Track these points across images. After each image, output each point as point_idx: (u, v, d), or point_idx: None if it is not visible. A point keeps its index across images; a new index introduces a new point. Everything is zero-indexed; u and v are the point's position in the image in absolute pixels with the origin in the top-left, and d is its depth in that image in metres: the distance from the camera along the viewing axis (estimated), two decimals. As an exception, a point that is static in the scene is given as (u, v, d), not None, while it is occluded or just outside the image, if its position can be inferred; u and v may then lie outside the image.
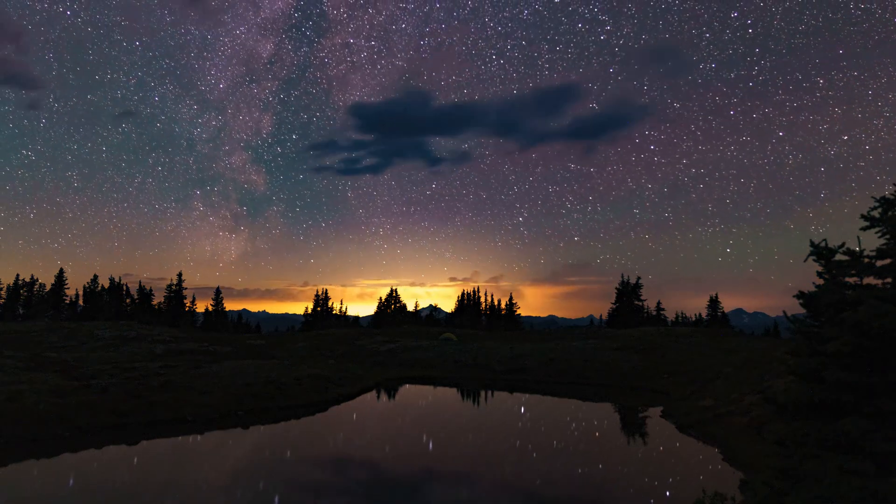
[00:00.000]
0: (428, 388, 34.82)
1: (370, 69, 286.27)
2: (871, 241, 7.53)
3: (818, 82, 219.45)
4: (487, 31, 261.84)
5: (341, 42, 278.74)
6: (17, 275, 72.15)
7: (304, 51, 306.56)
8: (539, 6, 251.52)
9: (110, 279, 75.80)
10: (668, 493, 13.88)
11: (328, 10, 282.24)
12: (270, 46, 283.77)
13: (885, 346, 6.69)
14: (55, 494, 13.16)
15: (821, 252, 7.77)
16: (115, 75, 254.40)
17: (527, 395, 31.98)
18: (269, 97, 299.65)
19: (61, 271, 71.75)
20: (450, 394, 33.30)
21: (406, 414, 26.15)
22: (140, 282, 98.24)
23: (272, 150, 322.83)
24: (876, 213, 7.49)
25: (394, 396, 31.23)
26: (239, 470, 15.50)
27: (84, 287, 75.43)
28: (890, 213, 7.32)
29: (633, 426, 24.06)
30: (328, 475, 15.24)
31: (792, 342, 8.28)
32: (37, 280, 71.39)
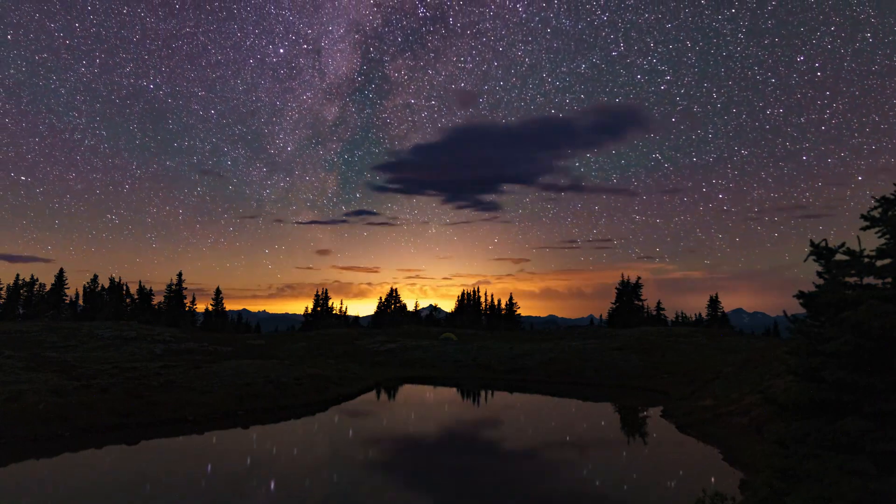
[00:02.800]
0: (428, 388, 34.82)
1: (430, 127, 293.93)
2: (872, 241, 7.54)
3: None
4: (545, 87, 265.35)
5: (402, 102, 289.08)
6: (17, 275, 72.20)
7: (367, 112, 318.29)
8: (597, 59, 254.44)
9: (110, 279, 75.84)
10: (668, 493, 13.88)
11: (390, 72, 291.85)
12: (335, 109, 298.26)
13: (885, 346, 6.69)
14: (55, 494, 13.16)
15: (821, 252, 7.77)
16: (191, 142, 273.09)
17: (527, 395, 31.98)
18: (333, 158, 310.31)
19: (61, 271, 71.76)
20: (450, 394, 33.30)
21: (406, 414, 26.15)
22: (140, 282, 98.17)
23: (337, 209, 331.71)
24: (876, 213, 7.49)
25: (394, 396, 31.23)
26: (239, 470, 15.50)
27: (84, 287, 75.47)
28: (890, 213, 7.32)
29: (633, 426, 24.06)
30: (328, 475, 15.23)
31: (792, 342, 8.28)
32: (37, 280, 71.40)
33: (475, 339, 53.30)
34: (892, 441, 6.33)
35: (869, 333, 6.63)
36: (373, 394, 31.00)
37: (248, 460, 16.51)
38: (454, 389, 34.45)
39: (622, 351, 41.69)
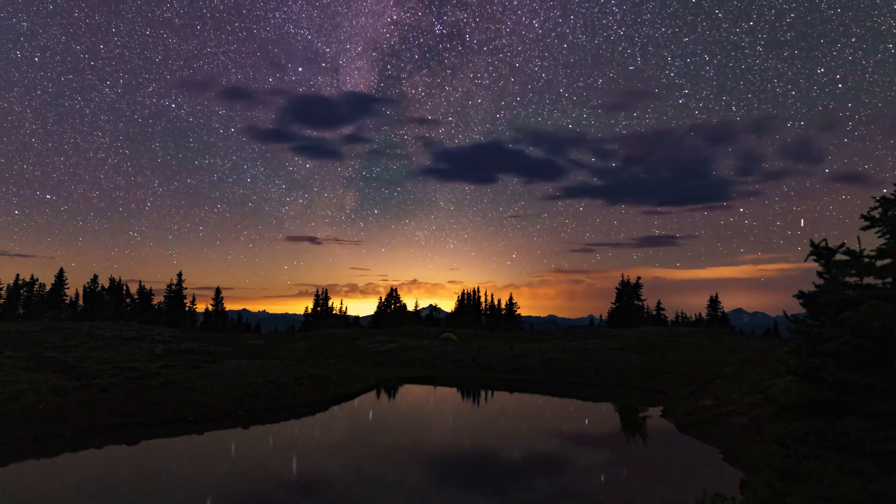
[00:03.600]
0: (428, 388, 34.82)
1: (448, 143, 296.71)
2: (872, 241, 7.54)
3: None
4: (562, 101, 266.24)
5: (419, 118, 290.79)
6: (17, 275, 72.19)
7: (385, 129, 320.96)
8: (613, 74, 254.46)
9: (110, 279, 75.83)
10: (668, 493, 13.87)
11: (407, 89, 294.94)
12: (353, 126, 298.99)
13: (885, 346, 6.69)
14: (55, 494, 13.16)
15: (821, 252, 7.77)
16: (212, 160, 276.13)
17: (527, 395, 31.98)
18: (351, 175, 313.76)
19: (61, 271, 71.75)
20: (450, 394, 33.29)
21: (406, 414, 26.15)
22: (140, 281, 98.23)
23: (355, 225, 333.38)
24: (876, 213, 7.49)
25: (394, 396, 31.23)
26: (239, 470, 15.50)
27: (84, 287, 75.46)
28: (890, 213, 7.31)
29: (633, 426, 24.06)
30: (327, 475, 15.23)
31: (792, 342, 8.28)
32: (37, 280, 71.37)
33: (475, 339, 53.29)
34: (892, 441, 6.33)
35: (869, 333, 6.62)
36: (373, 394, 31.00)
37: (249, 460, 16.50)
38: (454, 389, 34.44)
39: (622, 351, 41.68)
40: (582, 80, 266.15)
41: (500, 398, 31.55)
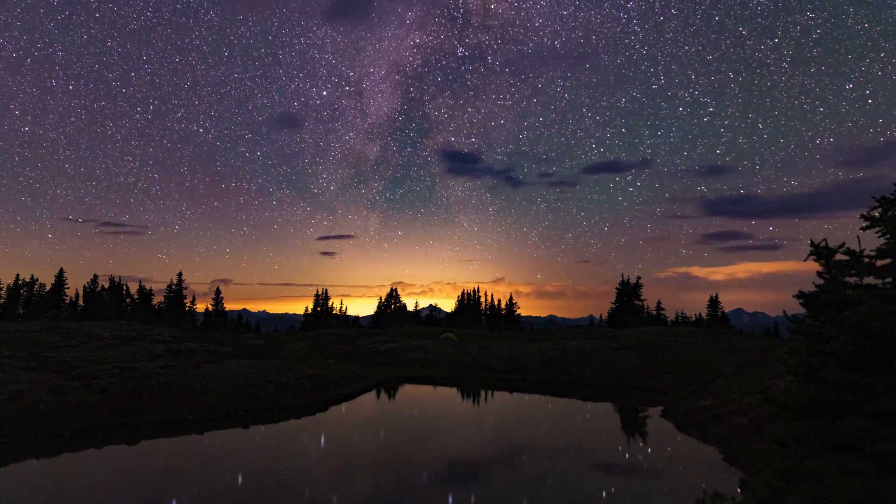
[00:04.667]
0: (428, 388, 34.82)
1: (471, 164, 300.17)
2: (872, 241, 7.53)
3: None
4: (585, 121, 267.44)
5: (443, 140, 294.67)
6: (17, 275, 72.12)
7: (409, 151, 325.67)
8: (637, 93, 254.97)
9: (110, 279, 75.81)
10: (668, 493, 13.87)
11: (430, 111, 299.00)
12: (377, 149, 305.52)
13: (885, 346, 6.68)
14: (55, 494, 13.16)
15: (821, 252, 7.76)
16: (238, 183, 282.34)
17: (527, 395, 31.98)
18: (375, 196, 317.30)
19: (61, 271, 71.72)
20: (450, 394, 33.29)
21: (405, 414, 26.14)
22: (140, 281, 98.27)
23: (379, 246, 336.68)
24: (876, 213, 7.48)
25: (394, 396, 31.23)
26: (239, 470, 15.50)
27: (84, 287, 75.41)
28: (890, 213, 7.31)
29: (633, 426, 24.06)
30: (327, 475, 15.23)
31: (792, 342, 8.28)
32: (37, 280, 71.34)
33: (475, 339, 53.28)
34: (892, 441, 6.32)
35: (869, 333, 6.62)
36: (373, 394, 31.00)
37: (248, 460, 16.50)
38: (454, 389, 34.44)
39: (622, 351, 41.67)
40: (605, 100, 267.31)
41: (500, 398, 31.55)
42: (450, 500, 13.26)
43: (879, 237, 7.42)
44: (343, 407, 26.43)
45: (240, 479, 14.55)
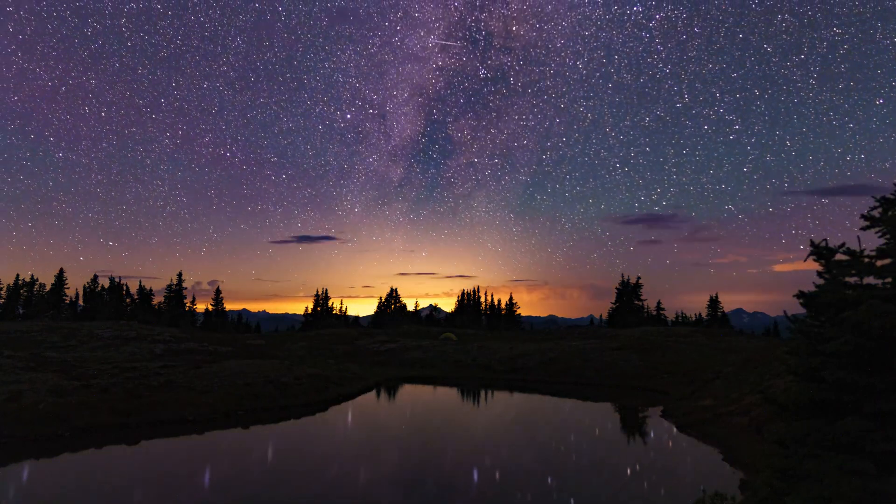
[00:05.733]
0: (428, 388, 34.82)
1: (494, 185, 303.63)
2: (872, 241, 7.53)
3: None
4: (609, 141, 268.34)
5: (466, 162, 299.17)
6: (17, 275, 72.10)
7: (432, 172, 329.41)
8: (661, 112, 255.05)
9: (110, 279, 75.80)
10: (668, 493, 13.87)
11: (453, 133, 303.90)
12: (400, 171, 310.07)
13: (885, 345, 6.68)
14: (55, 494, 13.16)
15: (821, 252, 7.76)
16: (264, 206, 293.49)
17: (527, 396, 31.97)
18: (399, 217, 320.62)
19: (61, 271, 71.71)
20: (450, 394, 33.30)
21: (405, 414, 26.14)
22: (140, 281, 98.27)
23: (403, 268, 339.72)
24: (876, 213, 7.48)
25: (394, 396, 31.23)
26: (239, 470, 15.50)
27: (84, 287, 75.39)
28: (890, 213, 7.31)
29: (633, 426, 24.06)
30: (326, 475, 15.23)
31: (792, 342, 8.27)
32: (37, 280, 71.34)
33: (475, 339, 53.28)
34: (892, 441, 6.32)
35: (869, 333, 6.62)
36: (373, 394, 30.99)
37: (248, 460, 16.50)
38: (454, 389, 34.44)
39: (622, 351, 41.67)
40: (629, 119, 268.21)
41: (501, 398, 31.55)
42: (449, 499, 13.27)
43: (879, 237, 7.42)
44: (343, 407, 26.43)
45: (240, 479, 14.55)
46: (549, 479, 14.89)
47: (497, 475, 15.39)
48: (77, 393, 21.12)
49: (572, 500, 13.29)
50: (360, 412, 25.81)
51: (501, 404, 29.94)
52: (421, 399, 31.58)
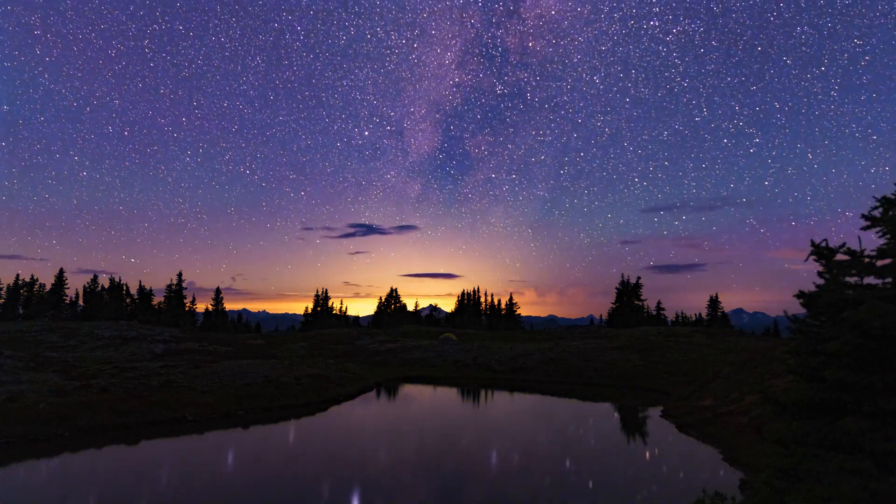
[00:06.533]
0: (428, 388, 34.82)
1: (512, 200, 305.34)
2: (872, 241, 7.53)
3: None
4: (627, 155, 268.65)
5: (483, 178, 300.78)
6: (17, 275, 72.18)
7: (449, 188, 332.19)
8: (679, 126, 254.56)
9: (110, 279, 75.84)
10: (668, 493, 13.87)
11: (470, 149, 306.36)
12: (418, 187, 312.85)
13: (885, 345, 6.68)
14: (55, 494, 13.16)
15: (821, 252, 7.76)
16: (283, 222, 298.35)
17: (527, 395, 31.98)
18: (417, 234, 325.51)
19: (61, 271, 71.75)
20: (450, 394, 33.30)
21: (405, 414, 26.14)
22: (140, 282, 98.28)
23: (423, 286, 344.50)
24: (876, 214, 7.48)
25: (394, 396, 31.23)
26: (239, 470, 15.50)
27: (84, 287, 75.44)
28: (890, 213, 7.31)
29: (633, 426, 24.06)
30: (326, 475, 15.23)
31: (792, 342, 8.27)
32: (37, 280, 71.38)
33: (475, 339, 53.29)
34: (892, 441, 6.32)
35: (869, 333, 6.62)
36: (373, 394, 30.99)
37: (248, 460, 16.50)
38: (454, 389, 34.44)
39: (622, 351, 41.68)
40: (647, 133, 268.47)
41: (501, 398, 31.55)
42: (449, 498, 13.27)
43: (879, 237, 7.42)
44: (343, 407, 26.42)
45: (240, 479, 14.55)
46: (549, 480, 14.90)
47: (494, 475, 15.39)
48: (77, 393, 21.12)
49: (572, 500, 13.29)
50: (361, 412, 25.81)
51: (501, 404, 29.94)
52: (421, 399, 31.57)
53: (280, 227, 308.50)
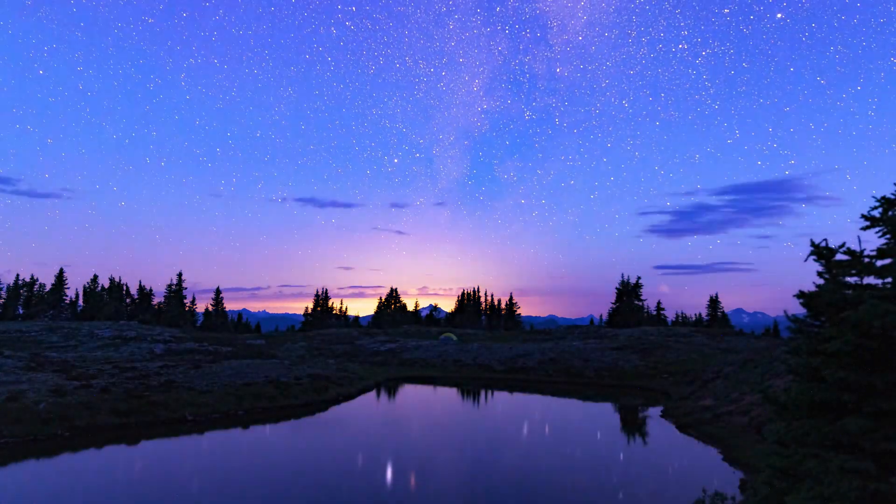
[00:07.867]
0: (428, 388, 34.82)
1: (542, 226, 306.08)
2: (872, 241, 7.53)
3: None
4: (658, 178, 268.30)
5: (513, 203, 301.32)
6: (17, 275, 72.13)
7: (479, 214, 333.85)
8: (711, 148, 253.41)
9: (110, 279, 75.80)
10: (668, 493, 13.87)
11: (499, 174, 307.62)
12: (448, 213, 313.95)
13: (885, 345, 6.68)
14: (56, 494, 13.15)
15: (821, 252, 7.76)
16: (314, 250, 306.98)
17: (527, 395, 31.98)
18: (447, 259, 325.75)
19: (61, 271, 71.70)
20: (450, 394, 33.30)
21: (405, 414, 26.15)
22: (140, 282, 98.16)
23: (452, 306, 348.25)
24: (876, 213, 7.48)
25: (394, 397, 31.23)
26: (238, 470, 15.49)
27: (84, 287, 75.39)
28: (890, 213, 7.31)
29: (633, 426, 24.07)
30: (325, 476, 15.23)
31: (792, 341, 8.27)
32: (37, 280, 71.34)
33: (475, 339, 53.30)
34: (892, 441, 6.32)
35: (869, 333, 6.62)
36: (373, 394, 30.99)
37: (248, 460, 16.50)
38: (454, 389, 34.45)
39: (622, 351, 41.68)
40: (678, 156, 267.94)
41: (501, 398, 31.56)
42: (448, 497, 13.26)
43: (879, 237, 7.41)
44: (343, 407, 26.43)
45: (240, 479, 14.54)
46: (548, 479, 14.89)
47: (494, 476, 15.38)
48: (77, 393, 21.12)
49: (572, 500, 13.30)
50: (360, 412, 25.81)
51: (501, 404, 29.94)
52: (421, 399, 31.57)
53: (311, 254, 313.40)
